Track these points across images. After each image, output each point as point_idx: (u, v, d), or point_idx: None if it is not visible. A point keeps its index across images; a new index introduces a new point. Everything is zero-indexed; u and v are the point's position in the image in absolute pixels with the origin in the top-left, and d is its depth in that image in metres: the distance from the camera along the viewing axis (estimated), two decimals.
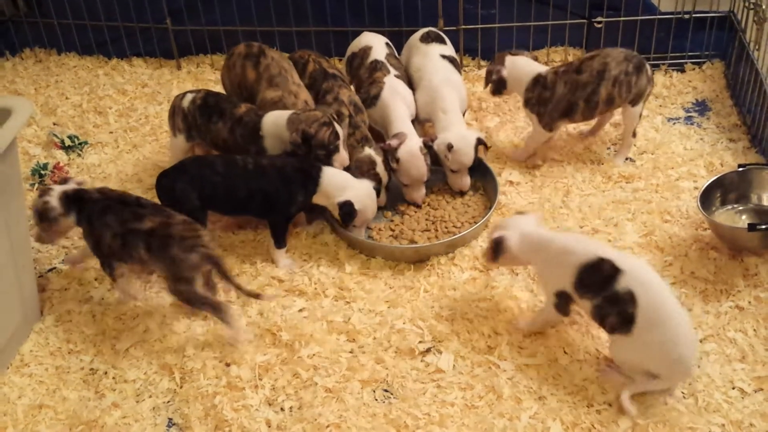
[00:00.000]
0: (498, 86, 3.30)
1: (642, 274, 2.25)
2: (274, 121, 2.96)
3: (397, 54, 3.51)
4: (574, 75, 3.16)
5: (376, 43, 3.44)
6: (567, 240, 2.41)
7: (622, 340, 2.28)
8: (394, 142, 3.05)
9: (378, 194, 2.99)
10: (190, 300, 2.55)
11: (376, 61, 3.35)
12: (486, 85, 3.34)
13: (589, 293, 2.30)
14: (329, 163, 2.91)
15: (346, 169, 2.98)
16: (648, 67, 3.18)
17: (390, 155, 3.06)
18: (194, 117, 3.10)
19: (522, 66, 3.25)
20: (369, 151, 3.05)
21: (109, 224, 2.56)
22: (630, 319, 2.23)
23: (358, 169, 3.02)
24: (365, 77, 3.34)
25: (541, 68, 3.25)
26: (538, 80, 3.21)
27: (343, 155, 2.93)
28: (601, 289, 2.27)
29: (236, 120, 3.01)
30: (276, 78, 3.14)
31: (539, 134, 3.28)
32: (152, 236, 2.50)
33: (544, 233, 2.47)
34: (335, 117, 2.94)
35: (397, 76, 3.30)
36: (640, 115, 3.25)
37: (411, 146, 3.06)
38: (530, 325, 2.55)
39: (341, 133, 2.93)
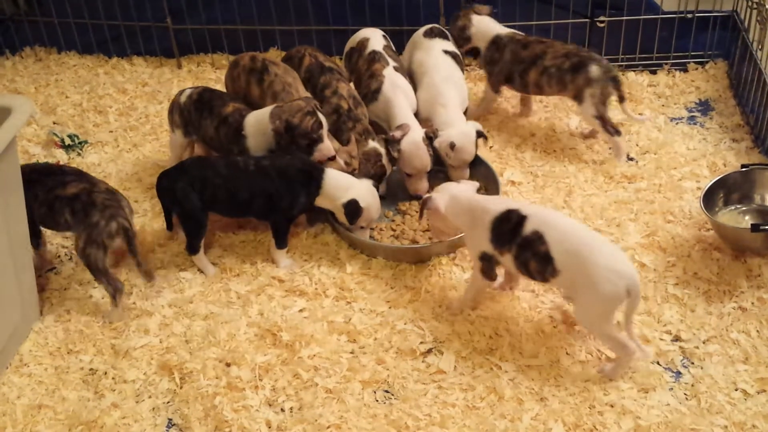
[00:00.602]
0: (463, 43, 3.53)
1: (545, 214, 2.42)
2: (257, 119, 2.95)
3: (394, 48, 3.50)
4: (520, 48, 3.36)
5: (373, 36, 3.45)
6: (486, 200, 2.56)
7: (566, 289, 2.38)
8: (397, 134, 3.06)
9: (378, 187, 3.00)
10: (91, 265, 2.67)
11: (374, 52, 3.35)
12: (456, 42, 3.52)
13: (505, 245, 2.42)
14: (311, 153, 2.90)
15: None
16: (593, 69, 3.22)
17: (393, 146, 3.06)
18: (189, 112, 3.11)
19: (485, 25, 3.50)
20: (373, 143, 3.05)
21: (37, 194, 2.68)
22: (546, 256, 2.33)
23: (367, 161, 3.03)
24: (364, 69, 3.34)
25: (502, 30, 3.45)
26: (495, 41, 3.43)
27: (327, 145, 2.92)
28: (513, 238, 2.40)
29: (222, 119, 3.01)
30: (281, 94, 3.12)
31: (488, 94, 3.55)
32: (76, 201, 2.64)
33: (471, 196, 2.59)
34: (318, 107, 2.93)
35: (395, 68, 3.30)
36: (600, 117, 3.24)
37: (414, 137, 3.07)
38: (463, 302, 2.62)
39: (325, 123, 2.92)
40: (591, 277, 2.27)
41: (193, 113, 3.10)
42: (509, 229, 2.41)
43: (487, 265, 2.52)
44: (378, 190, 2.97)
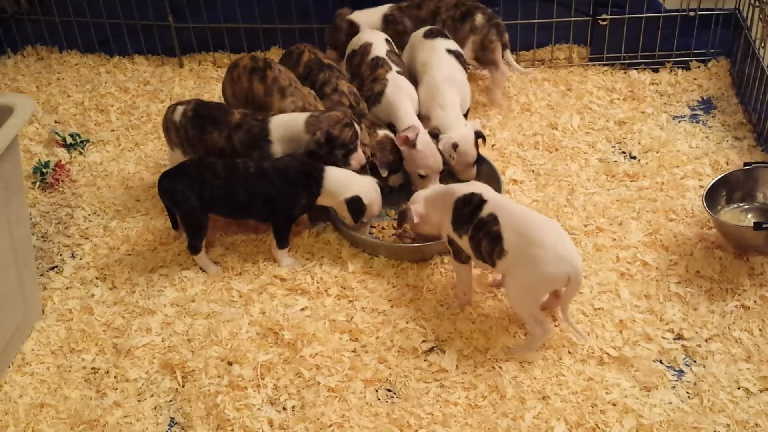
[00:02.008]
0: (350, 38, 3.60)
1: (503, 200, 2.52)
2: (285, 124, 2.94)
3: (397, 50, 3.51)
4: (415, 10, 3.58)
5: (375, 40, 3.44)
6: (453, 185, 2.66)
7: (508, 267, 2.40)
8: (411, 134, 3.05)
9: (399, 169, 3.09)
10: None
11: (377, 58, 3.35)
12: (340, 44, 3.63)
13: (463, 227, 2.51)
14: (347, 163, 2.93)
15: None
16: (478, 17, 3.54)
17: (408, 147, 3.06)
18: (186, 130, 3.03)
19: (365, 14, 3.71)
20: (384, 131, 3.07)
21: None
22: (497, 236, 2.40)
23: (383, 149, 3.04)
24: (367, 74, 3.34)
25: (382, 9, 3.63)
26: (386, 19, 3.58)
27: (360, 154, 2.96)
28: (470, 220, 2.48)
29: (233, 127, 2.96)
30: (288, 89, 3.12)
31: None
32: None
33: (439, 187, 2.77)
34: (355, 118, 2.96)
35: (398, 72, 3.30)
36: (476, 59, 3.56)
37: (427, 137, 3.08)
38: (458, 296, 2.65)
39: (359, 133, 2.95)
40: (534, 257, 2.34)
41: (191, 130, 3.02)
42: (469, 211, 2.49)
43: (455, 251, 2.59)
44: (385, 183, 3.04)
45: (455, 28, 3.56)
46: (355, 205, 2.81)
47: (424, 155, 3.06)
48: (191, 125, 3.02)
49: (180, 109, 3.07)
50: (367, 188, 2.85)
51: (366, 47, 3.42)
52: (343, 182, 2.83)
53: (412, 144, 3.04)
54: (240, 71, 3.23)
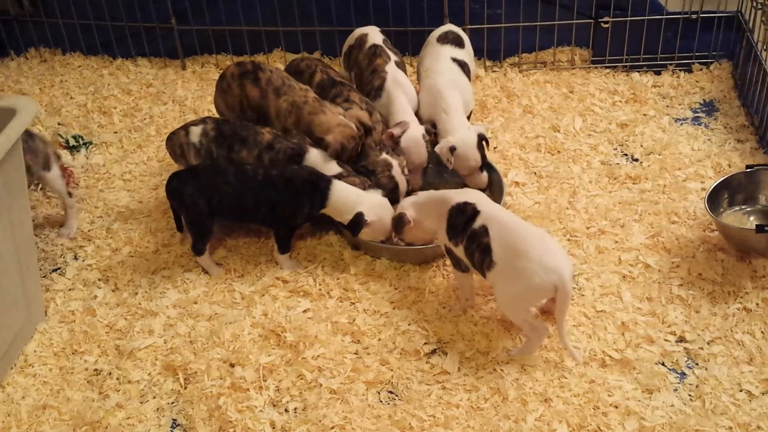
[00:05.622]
0: None
1: (495, 211, 2.50)
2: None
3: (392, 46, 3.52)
4: None
5: (371, 32, 3.48)
6: (445, 192, 2.67)
7: (496, 278, 2.41)
8: (396, 131, 3.06)
9: (396, 200, 2.97)
10: None
11: (374, 46, 3.38)
12: None
13: (458, 236, 2.51)
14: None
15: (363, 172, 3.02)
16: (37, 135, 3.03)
17: (393, 143, 3.05)
18: (209, 150, 2.98)
19: None
20: (385, 155, 3.02)
21: None
22: (487, 248, 2.41)
23: (374, 169, 3.00)
24: (365, 64, 3.36)
25: None
26: None
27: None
28: (464, 230, 2.49)
29: (265, 146, 2.95)
30: (282, 88, 3.12)
31: None
32: None
33: (429, 193, 2.72)
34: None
35: (397, 63, 3.33)
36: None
37: (413, 133, 3.10)
38: (459, 300, 2.65)
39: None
40: (520, 269, 2.34)
41: (216, 150, 2.97)
42: (463, 221, 2.50)
43: (453, 259, 2.59)
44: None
45: (33, 148, 2.93)
46: (355, 220, 2.78)
47: (408, 151, 3.08)
48: (216, 145, 2.97)
49: (197, 129, 2.99)
50: (372, 205, 2.81)
51: (362, 38, 3.46)
52: (350, 200, 2.80)
53: (395, 142, 3.05)
54: (229, 80, 3.20)
